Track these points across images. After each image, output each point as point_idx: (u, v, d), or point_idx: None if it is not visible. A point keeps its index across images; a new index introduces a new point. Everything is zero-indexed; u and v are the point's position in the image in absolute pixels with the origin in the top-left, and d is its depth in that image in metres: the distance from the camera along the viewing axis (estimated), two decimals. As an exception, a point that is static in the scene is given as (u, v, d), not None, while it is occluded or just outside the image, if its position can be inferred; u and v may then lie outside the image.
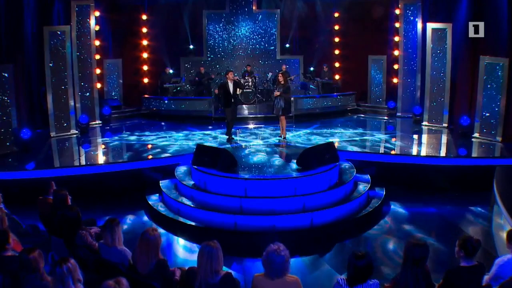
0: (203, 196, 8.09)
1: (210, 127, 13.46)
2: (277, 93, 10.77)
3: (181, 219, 7.85)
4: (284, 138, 11.27)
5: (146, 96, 15.96)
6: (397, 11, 15.14)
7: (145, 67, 16.98)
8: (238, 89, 11.23)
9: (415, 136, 12.21)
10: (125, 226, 8.01)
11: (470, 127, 11.68)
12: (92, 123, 13.54)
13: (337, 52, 17.45)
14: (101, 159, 10.54)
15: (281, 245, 3.92)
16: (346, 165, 9.44)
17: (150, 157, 10.12)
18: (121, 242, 4.88)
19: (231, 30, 17.43)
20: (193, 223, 7.68)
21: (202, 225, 7.66)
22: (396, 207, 8.83)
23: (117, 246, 4.82)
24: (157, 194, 9.02)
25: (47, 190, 6.48)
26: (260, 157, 9.54)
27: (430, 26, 12.84)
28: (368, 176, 9.29)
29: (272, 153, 9.96)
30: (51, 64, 12.03)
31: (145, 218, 8.53)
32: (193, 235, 7.60)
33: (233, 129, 11.47)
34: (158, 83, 16.76)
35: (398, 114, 14.60)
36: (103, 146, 11.65)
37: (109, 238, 4.82)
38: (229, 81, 10.83)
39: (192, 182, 8.58)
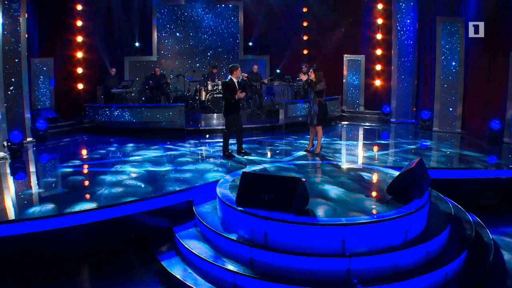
0: (274, 258, 4.60)
1: (174, 142, 9.97)
2: (303, 76, 8.04)
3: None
4: (317, 153, 8.28)
5: (87, 105, 11.78)
6: (380, 6, 13.00)
7: (80, 70, 12.78)
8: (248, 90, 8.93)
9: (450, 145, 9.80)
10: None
11: (499, 132, 9.70)
12: (23, 141, 9.17)
13: (305, 52, 14.85)
14: (56, 203, 6.18)
15: None
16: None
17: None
18: None
19: (186, 25, 13.94)
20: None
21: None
22: (500, 238, 6.23)
23: None
24: (175, 255, 5.38)
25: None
26: (316, 186, 6.16)
27: (441, 20, 10.68)
28: (450, 201, 6.63)
29: (326, 178, 6.63)
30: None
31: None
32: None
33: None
34: (99, 88, 12.75)
35: (392, 120, 12.30)
36: (40, 175, 7.54)
37: None
38: (235, 79, 7.95)
39: (239, 236, 5.11)
